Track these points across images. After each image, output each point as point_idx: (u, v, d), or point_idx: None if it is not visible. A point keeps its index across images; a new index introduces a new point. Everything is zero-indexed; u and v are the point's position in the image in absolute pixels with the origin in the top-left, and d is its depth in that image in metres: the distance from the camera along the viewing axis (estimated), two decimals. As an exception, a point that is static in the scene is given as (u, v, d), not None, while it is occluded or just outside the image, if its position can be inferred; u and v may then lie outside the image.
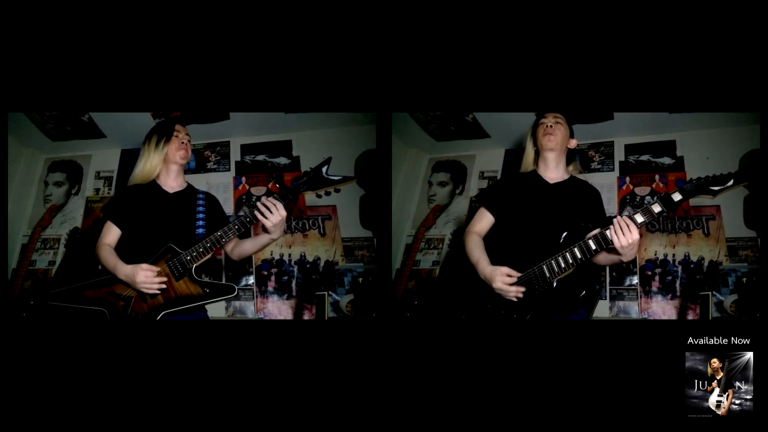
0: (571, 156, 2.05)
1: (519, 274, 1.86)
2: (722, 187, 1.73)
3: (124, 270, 1.95)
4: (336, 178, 1.94)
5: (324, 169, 1.94)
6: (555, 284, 1.84)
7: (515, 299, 1.86)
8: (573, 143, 2.03)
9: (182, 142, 2.05)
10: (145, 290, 1.93)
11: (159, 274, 1.94)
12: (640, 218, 1.74)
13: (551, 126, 1.97)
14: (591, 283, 1.99)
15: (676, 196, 1.74)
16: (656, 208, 1.74)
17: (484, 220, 2.02)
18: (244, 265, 2.74)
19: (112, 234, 2.04)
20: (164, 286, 1.94)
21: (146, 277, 1.92)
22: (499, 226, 2.01)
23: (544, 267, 1.83)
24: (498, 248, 1.95)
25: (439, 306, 2.05)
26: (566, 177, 2.01)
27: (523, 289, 1.85)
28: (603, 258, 1.89)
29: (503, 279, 1.86)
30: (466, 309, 1.94)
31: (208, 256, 1.98)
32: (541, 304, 1.85)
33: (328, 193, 1.96)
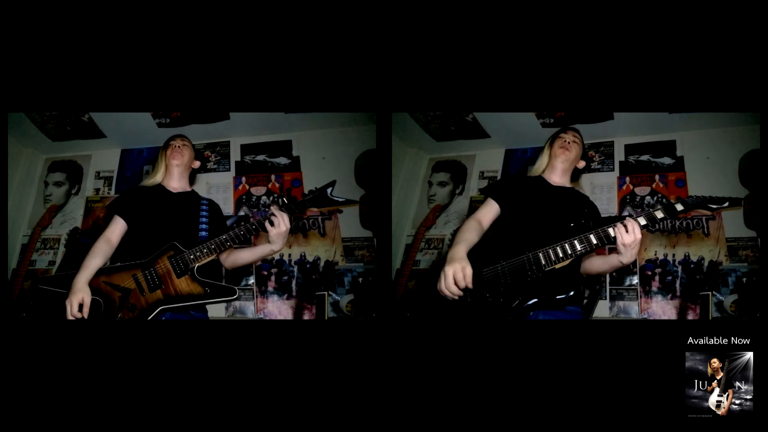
0: (576, 175, 2.11)
1: (470, 285, 1.80)
2: (719, 206, 1.87)
3: (78, 279, 1.96)
4: (340, 200, 2.09)
5: (329, 191, 2.08)
6: (547, 273, 1.83)
7: (441, 293, 1.81)
8: (582, 164, 2.10)
9: (177, 147, 2.18)
10: (68, 308, 1.93)
11: (81, 309, 1.93)
12: (642, 221, 1.82)
13: (569, 142, 2.05)
14: (578, 286, 2.00)
15: (679, 207, 1.85)
16: (659, 215, 1.83)
17: (489, 209, 2.01)
18: (244, 265, 2.75)
19: (115, 227, 2.08)
20: (80, 316, 1.93)
21: (76, 300, 1.92)
22: (502, 218, 2.00)
23: (540, 254, 1.83)
24: (494, 237, 1.94)
25: (425, 302, 2.02)
26: (568, 185, 2.07)
27: (460, 293, 1.81)
28: (601, 263, 1.94)
29: (457, 272, 1.79)
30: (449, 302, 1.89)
31: (211, 257, 2.01)
32: (530, 292, 1.83)
33: (331, 213, 2.13)
